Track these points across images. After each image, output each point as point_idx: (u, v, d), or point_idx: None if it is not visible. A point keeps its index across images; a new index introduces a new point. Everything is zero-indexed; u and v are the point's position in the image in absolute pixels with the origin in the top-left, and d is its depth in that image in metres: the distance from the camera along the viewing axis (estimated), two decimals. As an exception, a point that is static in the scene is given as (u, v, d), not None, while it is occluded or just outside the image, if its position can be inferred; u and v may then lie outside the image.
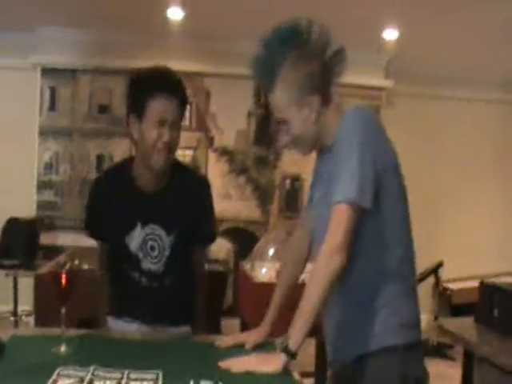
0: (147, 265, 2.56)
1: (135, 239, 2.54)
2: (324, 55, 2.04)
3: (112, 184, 2.58)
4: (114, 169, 2.74)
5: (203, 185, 2.67)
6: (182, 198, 2.54)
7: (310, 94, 2.03)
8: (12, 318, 6.34)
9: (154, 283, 2.58)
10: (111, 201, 2.54)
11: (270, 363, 1.95)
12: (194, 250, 2.66)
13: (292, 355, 1.96)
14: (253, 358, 2.01)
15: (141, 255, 2.55)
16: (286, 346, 1.95)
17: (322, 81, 2.04)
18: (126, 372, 1.85)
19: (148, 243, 2.54)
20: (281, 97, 2.05)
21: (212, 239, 2.74)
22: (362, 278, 2.01)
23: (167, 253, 2.55)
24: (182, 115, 2.44)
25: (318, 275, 1.95)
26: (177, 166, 2.58)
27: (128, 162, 2.58)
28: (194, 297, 2.69)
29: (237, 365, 1.97)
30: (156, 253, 2.55)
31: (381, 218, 1.98)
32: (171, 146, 2.41)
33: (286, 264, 2.42)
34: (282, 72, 2.03)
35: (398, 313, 2.01)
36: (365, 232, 1.97)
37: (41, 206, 7.04)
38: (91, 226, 2.66)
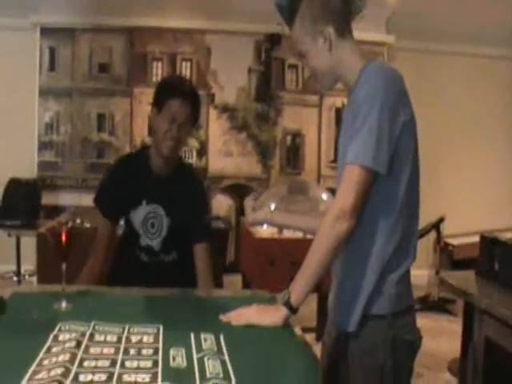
0: (145, 241, 2.90)
1: (138, 215, 2.88)
2: None
3: (129, 165, 2.97)
4: (133, 153, 3.17)
5: (203, 185, 3.10)
6: (185, 187, 2.92)
7: (324, 25, 2.01)
8: (15, 278, 6.39)
9: (152, 259, 2.92)
10: (125, 179, 2.89)
11: (271, 316, 1.96)
12: (195, 248, 2.93)
13: (293, 310, 1.96)
14: (253, 310, 2.00)
15: (141, 231, 2.90)
16: (287, 299, 1.96)
17: (339, 13, 2.03)
18: (127, 326, 1.87)
19: (149, 220, 2.89)
20: (298, 30, 2.06)
21: (205, 238, 2.96)
22: (366, 243, 1.98)
23: (164, 233, 2.89)
24: (192, 121, 2.87)
25: (323, 235, 1.92)
26: (183, 163, 3.05)
27: (147, 151, 2.96)
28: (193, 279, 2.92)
29: (237, 318, 1.97)
30: (154, 230, 2.89)
31: (393, 183, 1.95)
32: (177, 141, 2.80)
33: None
34: (301, 7, 2.03)
35: (392, 281, 1.98)
36: (376, 197, 1.95)
37: (42, 166, 7.02)
38: (101, 199, 2.97)
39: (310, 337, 4.54)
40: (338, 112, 7.23)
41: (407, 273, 2.03)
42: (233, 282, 5.71)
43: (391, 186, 1.96)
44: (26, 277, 6.41)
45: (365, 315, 1.99)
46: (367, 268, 1.99)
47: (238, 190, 7.19)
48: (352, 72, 2.02)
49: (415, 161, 2.00)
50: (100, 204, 2.95)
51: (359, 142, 1.89)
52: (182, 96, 2.79)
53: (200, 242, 2.91)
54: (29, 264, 6.13)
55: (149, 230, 2.89)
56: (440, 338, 5.12)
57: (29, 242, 5.90)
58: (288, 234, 4.85)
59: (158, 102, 2.82)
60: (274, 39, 7.14)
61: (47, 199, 6.77)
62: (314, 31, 2.02)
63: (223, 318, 2.00)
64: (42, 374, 1.49)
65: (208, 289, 2.81)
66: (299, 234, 4.72)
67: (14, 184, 6.42)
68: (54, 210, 6.54)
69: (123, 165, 3.01)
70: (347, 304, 2.04)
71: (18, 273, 6.40)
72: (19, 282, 6.32)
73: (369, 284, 1.98)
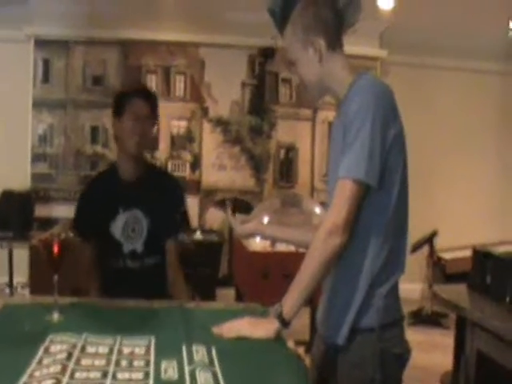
0: (128, 246, 2.97)
1: (118, 224, 2.95)
2: (337, 3, 2.04)
3: (100, 183, 3.07)
4: (101, 172, 3.26)
5: (178, 184, 3.25)
6: (158, 185, 3.03)
7: (316, 36, 2.02)
8: (7, 290, 6.35)
9: (137, 263, 2.97)
10: (99, 196, 2.97)
11: (263, 328, 1.96)
12: (167, 241, 3.02)
13: (285, 323, 1.96)
14: (245, 323, 2.00)
15: (122, 239, 2.96)
16: (279, 313, 1.96)
17: (331, 26, 2.03)
18: (119, 338, 1.86)
19: (129, 226, 2.96)
20: (289, 37, 2.06)
21: (176, 233, 3.08)
22: (356, 257, 1.99)
23: (145, 234, 2.96)
24: (153, 118, 3.02)
25: (316, 250, 1.93)
26: (153, 165, 3.22)
27: (113, 165, 3.08)
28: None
29: (229, 330, 1.97)
30: (136, 234, 2.96)
31: (383, 197, 1.96)
32: (142, 136, 2.93)
33: None
34: (293, 14, 2.04)
35: (381, 294, 1.98)
36: (367, 210, 1.95)
37: (35, 178, 7.01)
38: (79, 224, 3.00)
39: (302, 350, 4.52)
40: (332, 126, 7.23)
41: (396, 286, 2.03)
42: (226, 295, 5.70)
43: (381, 200, 1.96)
44: (19, 289, 6.38)
45: (353, 329, 1.99)
46: (357, 282, 1.99)
47: (232, 204, 7.19)
48: (341, 86, 2.03)
49: (404, 174, 2.01)
50: (80, 229, 2.94)
51: (352, 156, 1.90)
52: (139, 94, 2.98)
53: (171, 237, 3.01)
54: (21, 276, 6.10)
55: (130, 235, 2.96)
56: (433, 351, 5.11)
57: (21, 254, 5.88)
58: (281, 247, 4.84)
59: (118, 110, 2.97)
60: (267, 53, 7.16)
61: (40, 211, 6.76)
62: (305, 40, 2.03)
63: (215, 330, 1.99)
64: (33, 386, 1.48)
65: (177, 285, 2.93)
66: (292, 247, 4.71)
67: (7, 196, 6.40)
68: (47, 222, 6.52)
69: (91, 186, 3.12)
70: (336, 318, 2.03)
71: (10, 285, 6.37)
72: (11, 294, 6.29)
73: (358, 298, 1.98)
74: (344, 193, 1.91)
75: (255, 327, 1.97)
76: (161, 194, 3.00)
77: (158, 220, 2.97)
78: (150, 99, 3.01)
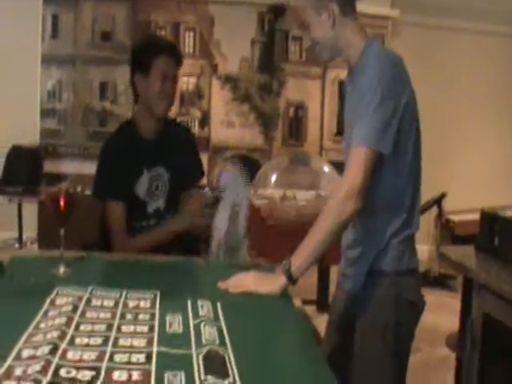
0: (152, 206, 2.93)
1: (142, 185, 2.88)
2: None
3: (120, 144, 2.90)
4: (119, 130, 3.01)
5: (190, 132, 3.35)
6: (174, 138, 2.95)
7: (329, 0, 2.06)
8: (17, 245, 6.39)
9: (159, 221, 2.92)
10: (121, 158, 2.83)
11: (269, 284, 1.98)
12: (189, 192, 2.97)
13: (292, 280, 1.98)
14: (251, 278, 2.02)
15: (147, 199, 2.90)
16: (288, 268, 1.97)
17: None
18: (124, 291, 1.87)
19: (153, 184, 2.91)
20: (303, 1, 2.11)
21: (201, 176, 3.17)
22: (373, 214, 2.09)
23: (167, 188, 2.94)
24: (178, 73, 2.89)
25: (330, 213, 1.99)
26: (168, 119, 3.02)
27: (131, 122, 2.95)
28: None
29: (235, 285, 1.99)
30: (160, 191, 2.93)
31: (397, 163, 2.04)
32: (172, 98, 2.88)
33: None
34: None
35: (394, 243, 2.10)
36: (381, 177, 2.03)
37: (44, 133, 6.98)
38: (106, 190, 2.85)
39: (310, 309, 4.55)
40: (342, 85, 7.17)
41: (410, 238, 2.14)
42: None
43: (397, 164, 2.05)
44: (28, 244, 6.42)
45: (370, 274, 2.11)
46: (377, 240, 2.11)
47: (240, 161, 7.18)
48: (354, 50, 2.10)
49: (418, 139, 2.10)
50: (106, 193, 2.85)
51: (364, 128, 1.97)
52: (167, 51, 2.84)
53: (189, 186, 2.98)
54: (31, 232, 6.13)
55: (154, 193, 2.92)
56: (440, 313, 5.12)
57: (30, 210, 5.91)
58: (288, 202, 4.85)
59: (144, 65, 2.81)
60: (277, 11, 7.09)
61: (49, 167, 6.75)
62: (319, 5, 2.07)
63: (221, 284, 2.01)
64: (39, 337, 1.49)
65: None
66: (300, 203, 4.73)
67: (17, 151, 6.41)
68: (56, 178, 6.49)
69: (112, 148, 2.91)
70: (355, 269, 2.17)
71: (19, 240, 6.41)
72: (21, 249, 6.33)
73: (376, 250, 2.10)
74: (359, 159, 1.97)
75: (261, 282, 1.99)
76: (177, 146, 2.94)
77: (177, 173, 2.94)
78: (180, 59, 2.90)
